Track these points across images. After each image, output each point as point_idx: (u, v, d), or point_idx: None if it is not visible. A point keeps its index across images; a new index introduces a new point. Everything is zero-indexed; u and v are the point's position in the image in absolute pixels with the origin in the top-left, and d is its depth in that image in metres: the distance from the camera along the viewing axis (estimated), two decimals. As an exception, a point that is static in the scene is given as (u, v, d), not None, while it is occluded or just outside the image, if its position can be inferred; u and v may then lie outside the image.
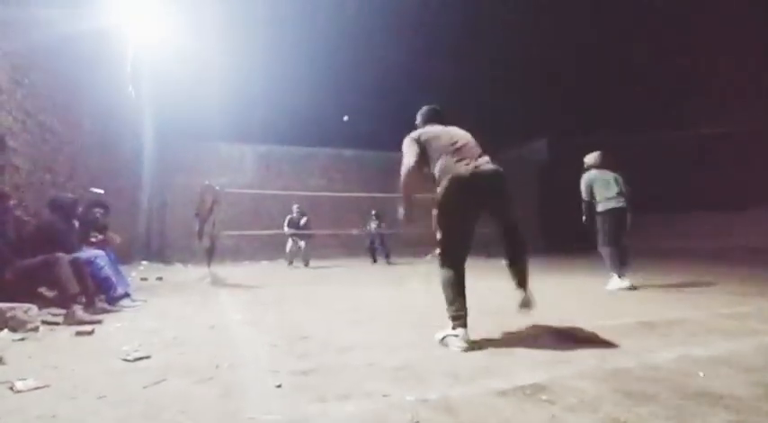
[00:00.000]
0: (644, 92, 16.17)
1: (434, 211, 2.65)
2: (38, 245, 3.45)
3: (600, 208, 4.74)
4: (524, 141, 19.16)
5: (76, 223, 4.07)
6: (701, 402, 1.48)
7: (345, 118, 14.36)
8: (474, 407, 1.47)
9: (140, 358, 2.12)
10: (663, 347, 2.22)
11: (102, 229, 4.54)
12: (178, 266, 10.19)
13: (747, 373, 1.78)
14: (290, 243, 10.02)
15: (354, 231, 12.16)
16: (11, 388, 1.67)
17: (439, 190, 2.60)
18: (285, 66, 17.11)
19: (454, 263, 2.57)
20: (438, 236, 2.61)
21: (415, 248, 14.66)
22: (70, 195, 4.26)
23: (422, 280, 6.33)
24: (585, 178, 4.92)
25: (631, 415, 1.38)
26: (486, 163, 2.69)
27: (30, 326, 2.73)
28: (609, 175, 4.87)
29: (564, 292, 4.59)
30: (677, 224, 14.64)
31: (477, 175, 2.56)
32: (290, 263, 9.94)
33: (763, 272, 6.36)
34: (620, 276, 4.55)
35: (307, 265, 9.69)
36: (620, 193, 4.76)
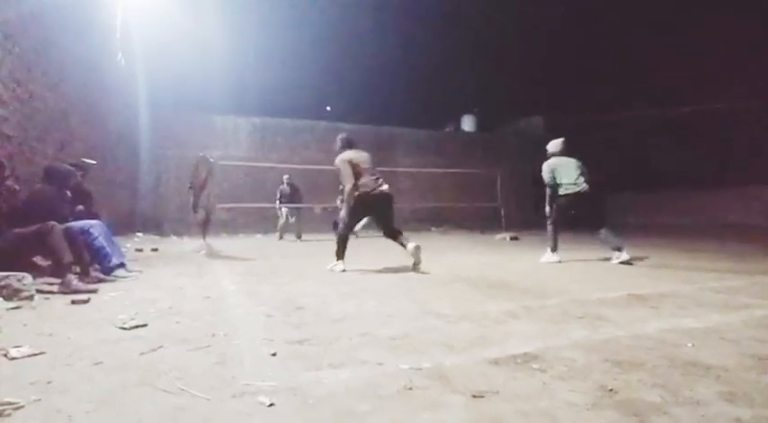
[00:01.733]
0: (635, 70, 16.02)
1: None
2: (30, 214, 3.41)
3: (561, 191, 4.91)
4: (521, 117, 19.03)
5: (69, 193, 4.02)
6: (689, 372, 1.51)
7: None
8: (467, 375, 1.49)
9: (136, 326, 2.13)
10: (653, 319, 2.26)
11: (86, 196, 4.47)
12: (173, 238, 10.19)
13: (736, 345, 1.81)
14: (282, 217, 9.92)
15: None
16: (5, 355, 1.67)
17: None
18: (281, 35, 16.71)
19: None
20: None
21: (414, 224, 14.71)
22: (65, 165, 4.19)
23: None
24: (548, 164, 5.04)
25: (619, 382, 1.41)
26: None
27: (24, 294, 2.72)
28: (571, 162, 5.00)
29: (557, 267, 4.63)
30: (665, 200, 14.77)
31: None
32: (281, 237, 9.89)
33: (752, 247, 6.45)
34: (552, 251, 4.95)
35: (299, 238, 9.66)
36: (582, 179, 4.88)
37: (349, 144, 4.71)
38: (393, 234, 4.45)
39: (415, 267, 4.22)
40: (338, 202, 11.82)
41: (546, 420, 1.16)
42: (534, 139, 18.47)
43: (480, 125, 19.54)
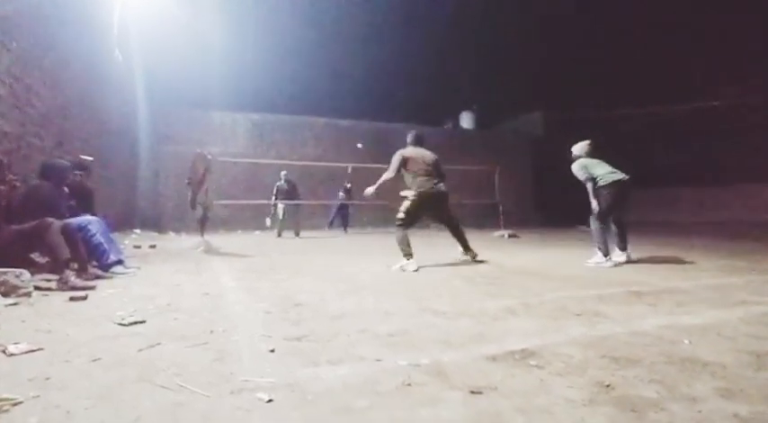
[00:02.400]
0: (634, 67, 16.03)
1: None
2: (28, 211, 3.40)
3: (601, 183, 4.65)
4: (519, 114, 19.03)
5: (66, 189, 4.00)
6: (686, 368, 1.51)
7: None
8: (465, 371, 1.50)
9: (135, 323, 2.13)
10: (650, 316, 2.27)
11: (88, 194, 4.46)
12: (171, 235, 10.18)
13: (733, 341, 1.82)
14: (279, 213, 9.86)
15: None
16: (3, 351, 1.67)
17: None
18: (280, 31, 16.65)
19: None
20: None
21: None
22: (63, 161, 4.18)
23: (416, 250, 6.38)
24: (578, 163, 4.83)
25: (616, 378, 1.41)
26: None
27: (22, 291, 2.72)
28: (597, 161, 4.83)
29: (556, 263, 4.64)
30: (665, 198, 14.79)
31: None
32: (279, 234, 9.86)
33: (750, 245, 6.47)
34: (605, 255, 4.50)
35: (297, 235, 9.65)
36: (617, 169, 4.71)
37: (413, 141, 4.94)
38: (456, 232, 4.85)
39: (472, 258, 4.74)
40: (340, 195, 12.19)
41: (543, 416, 1.16)
42: (533, 136, 18.49)
43: (479, 122, 19.51)
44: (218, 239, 8.09)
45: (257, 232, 11.80)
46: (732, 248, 6.00)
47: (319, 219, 13.67)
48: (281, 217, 9.84)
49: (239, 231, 12.11)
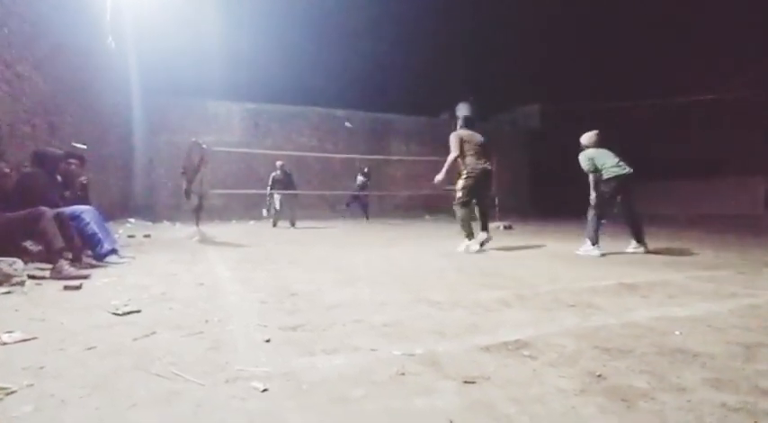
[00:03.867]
0: (633, 59, 16.01)
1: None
2: (20, 199, 3.37)
3: (606, 175, 4.68)
4: (517, 106, 18.99)
5: (59, 178, 3.97)
6: (676, 359, 1.53)
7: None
8: (458, 361, 1.51)
9: (130, 312, 2.12)
10: (642, 307, 2.29)
11: (82, 186, 4.42)
12: (166, 224, 10.13)
13: (723, 333, 1.84)
14: (276, 203, 9.81)
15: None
16: (-3, 340, 1.66)
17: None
18: (276, 20, 16.46)
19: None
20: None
21: (408, 211, 14.70)
22: (55, 150, 4.13)
23: (410, 242, 6.39)
24: (584, 154, 4.84)
25: (608, 369, 1.43)
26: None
27: (15, 280, 2.71)
28: (606, 151, 4.85)
29: (550, 255, 4.67)
30: (662, 190, 14.86)
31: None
32: (275, 224, 9.82)
33: (742, 237, 6.53)
34: (593, 244, 4.57)
35: (293, 225, 9.62)
36: (624, 163, 4.73)
37: (465, 123, 5.34)
38: (484, 212, 5.13)
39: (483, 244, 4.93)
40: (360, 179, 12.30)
41: (536, 406, 1.18)
42: (530, 127, 18.47)
43: (476, 113, 19.46)
44: (213, 229, 8.07)
45: (252, 222, 11.77)
46: (725, 241, 6.06)
47: (315, 209, 13.65)
48: (277, 207, 9.79)
49: (234, 221, 12.07)
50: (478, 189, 5.01)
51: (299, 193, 10.93)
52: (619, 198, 4.76)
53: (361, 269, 3.66)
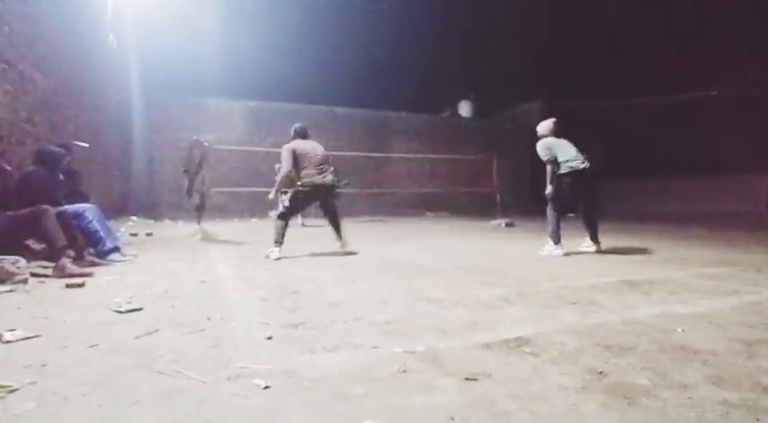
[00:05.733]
0: (633, 56, 15.95)
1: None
2: (23, 197, 3.38)
3: (563, 170, 4.45)
4: (518, 104, 18.94)
5: (61, 176, 3.97)
6: (678, 356, 1.53)
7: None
8: (460, 358, 1.51)
9: (132, 310, 2.13)
10: (644, 305, 2.29)
11: (74, 175, 4.38)
12: (167, 222, 10.14)
13: (725, 330, 1.84)
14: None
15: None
16: None
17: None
18: (276, 17, 16.40)
19: None
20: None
21: (409, 209, 14.69)
22: (57, 148, 4.13)
23: (412, 238, 6.39)
24: (542, 143, 4.60)
25: (609, 366, 1.43)
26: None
27: (18, 278, 2.71)
28: (565, 142, 4.63)
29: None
30: (662, 187, 14.83)
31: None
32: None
33: (743, 235, 6.51)
34: (555, 243, 4.43)
35: (303, 224, 9.63)
36: (582, 156, 4.50)
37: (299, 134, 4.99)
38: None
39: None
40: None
41: (537, 403, 1.18)
42: (531, 125, 18.42)
43: (477, 111, 19.40)
44: (214, 227, 8.07)
45: (254, 220, 11.78)
46: (726, 238, 6.04)
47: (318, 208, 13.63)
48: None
49: (236, 219, 12.08)
50: (576, 194, 4.52)
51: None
52: (575, 195, 4.51)
53: (361, 267, 3.66)
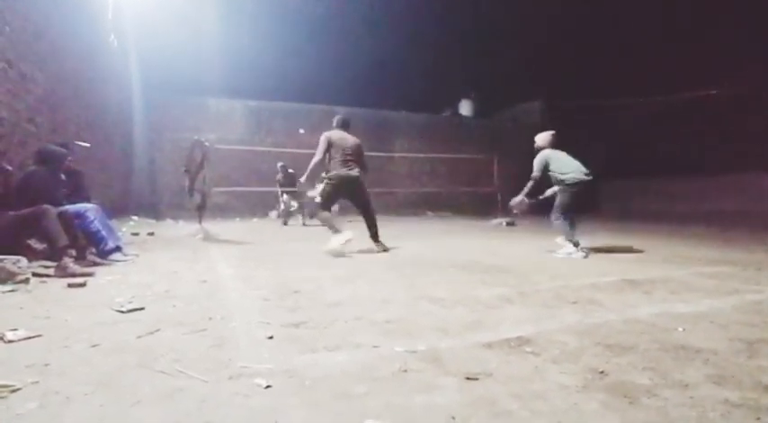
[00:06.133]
0: (634, 55, 15.94)
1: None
2: (24, 197, 3.38)
3: (568, 180, 4.58)
4: (519, 103, 18.93)
5: (63, 176, 3.98)
6: (679, 355, 1.53)
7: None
8: (461, 358, 1.51)
9: (134, 310, 2.13)
10: (644, 304, 2.29)
11: (75, 174, 4.38)
12: (169, 222, 10.16)
13: (726, 329, 1.84)
14: (289, 203, 9.83)
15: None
16: (1, 338, 1.67)
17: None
18: (277, 17, 16.40)
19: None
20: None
21: (410, 209, 14.67)
22: (58, 147, 4.13)
23: (413, 237, 6.39)
24: (540, 156, 4.76)
25: (610, 365, 1.43)
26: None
27: (20, 277, 2.72)
28: (563, 154, 4.76)
29: (551, 252, 4.66)
30: (662, 186, 14.82)
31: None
32: (285, 223, 9.85)
33: (743, 235, 6.51)
34: (575, 246, 4.45)
35: (304, 224, 9.65)
36: (584, 166, 4.64)
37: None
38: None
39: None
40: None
41: (538, 402, 1.18)
42: (532, 124, 18.40)
43: (478, 110, 19.40)
44: (215, 226, 8.08)
45: (255, 220, 11.79)
46: (727, 238, 6.03)
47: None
48: (290, 209, 9.83)
49: (237, 219, 12.09)
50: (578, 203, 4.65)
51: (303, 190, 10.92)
52: (579, 203, 4.64)
53: (362, 266, 3.66)
